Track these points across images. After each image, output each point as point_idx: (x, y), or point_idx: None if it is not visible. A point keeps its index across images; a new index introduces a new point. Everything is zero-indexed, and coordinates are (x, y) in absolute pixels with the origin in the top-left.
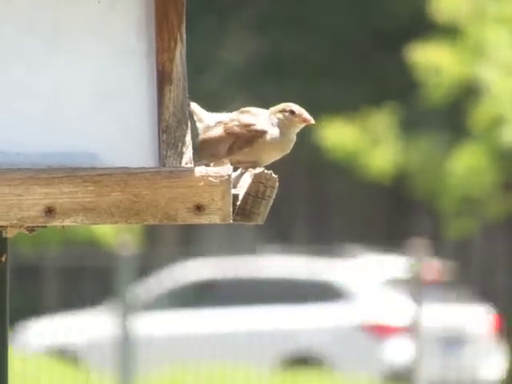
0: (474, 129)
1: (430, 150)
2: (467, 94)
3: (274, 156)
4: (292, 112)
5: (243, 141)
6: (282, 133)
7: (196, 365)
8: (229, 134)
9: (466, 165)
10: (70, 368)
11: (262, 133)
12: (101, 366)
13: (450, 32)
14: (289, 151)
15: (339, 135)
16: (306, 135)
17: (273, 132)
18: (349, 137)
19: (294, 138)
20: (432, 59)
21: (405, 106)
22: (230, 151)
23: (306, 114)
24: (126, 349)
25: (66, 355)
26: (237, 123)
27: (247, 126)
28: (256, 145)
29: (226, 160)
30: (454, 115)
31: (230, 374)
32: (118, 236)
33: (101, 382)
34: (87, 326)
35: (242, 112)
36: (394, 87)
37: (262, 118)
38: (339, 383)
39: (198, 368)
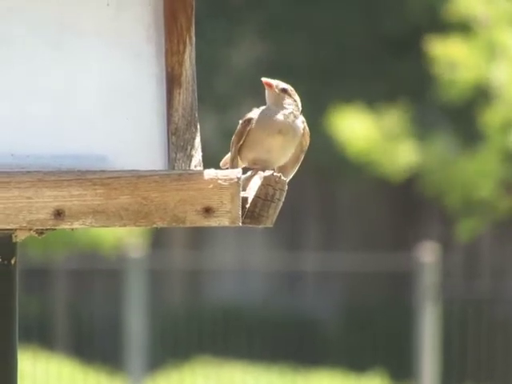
0: (485, 130)
1: (442, 150)
2: (481, 94)
3: (276, 142)
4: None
5: (239, 134)
6: (270, 116)
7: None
8: (235, 134)
9: (477, 165)
10: (80, 370)
11: (249, 120)
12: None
13: (464, 32)
14: (292, 136)
15: (353, 127)
16: (315, 136)
17: (259, 118)
18: (362, 130)
19: (286, 117)
20: (449, 54)
21: (418, 104)
22: (236, 150)
23: (265, 80)
24: None
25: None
26: (240, 121)
27: (243, 120)
28: (248, 135)
29: (241, 163)
30: (467, 115)
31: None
32: (124, 238)
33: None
34: None
35: None
36: (407, 86)
37: (258, 110)
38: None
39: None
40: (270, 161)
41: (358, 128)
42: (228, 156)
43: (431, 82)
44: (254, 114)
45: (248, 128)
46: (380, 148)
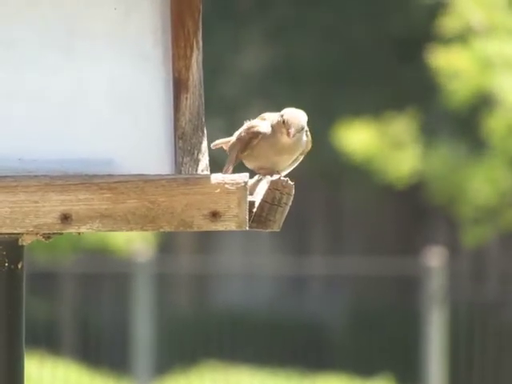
0: (489, 138)
1: (448, 157)
2: (483, 102)
3: (282, 158)
4: (283, 121)
5: (243, 144)
6: (278, 134)
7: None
8: (238, 139)
9: (483, 173)
10: (87, 374)
11: (257, 134)
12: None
13: (464, 41)
14: (298, 152)
15: (358, 138)
16: (322, 141)
17: (270, 134)
18: (368, 139)
19: (296, 138)
20: (451, 64)
21: (424, 112)
22: (237, 156)
23: (292, 129)
24: None
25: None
26: (245, 128)
27: (249, 128)
28: (254, 146)
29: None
30: (471, 123)
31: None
32: (131, 243)
33: None
34: None
35: (259, 118)
36: (413, 94)
37: (268, 122)
38: None
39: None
40: (275, 168)
41: (363, 138)
42: (222, 140)
43: (436, 90)
44: (263, 127)
45: (255, 142)
46: (385, 155)
